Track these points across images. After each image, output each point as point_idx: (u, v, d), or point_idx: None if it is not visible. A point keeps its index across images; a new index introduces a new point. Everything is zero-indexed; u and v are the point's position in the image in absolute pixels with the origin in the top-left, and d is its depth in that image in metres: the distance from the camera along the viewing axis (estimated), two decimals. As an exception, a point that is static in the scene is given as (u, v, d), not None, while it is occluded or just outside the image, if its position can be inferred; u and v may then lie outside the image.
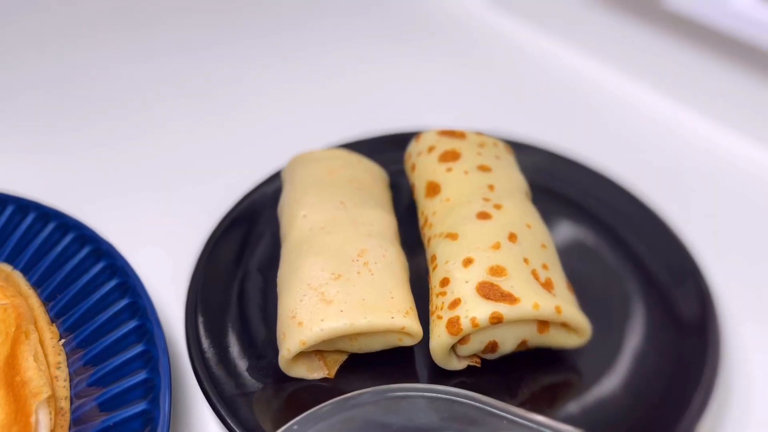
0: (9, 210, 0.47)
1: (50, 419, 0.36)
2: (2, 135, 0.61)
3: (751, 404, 0.43)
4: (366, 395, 0.30)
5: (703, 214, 0.55)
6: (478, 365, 0.41)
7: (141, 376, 0.37)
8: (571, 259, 0.46)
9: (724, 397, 0.43)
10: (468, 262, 0.40)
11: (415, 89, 0.68)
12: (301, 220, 0.45)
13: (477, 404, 0.30)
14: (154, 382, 0.37)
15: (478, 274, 0.40)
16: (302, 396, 0.40)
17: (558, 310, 0.39)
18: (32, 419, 0.35)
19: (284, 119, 0.64)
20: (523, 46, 0.75)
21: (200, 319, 0.43)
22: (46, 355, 0.39)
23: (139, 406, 0.36)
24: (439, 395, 0.31)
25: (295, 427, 0.30)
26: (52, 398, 0.37)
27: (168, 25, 0.75)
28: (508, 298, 0.38)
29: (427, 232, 0.45)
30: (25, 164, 0.58)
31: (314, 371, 0.41)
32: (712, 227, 0.54)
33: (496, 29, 0.77)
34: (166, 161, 0.59)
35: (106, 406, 0.38)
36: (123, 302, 0.41)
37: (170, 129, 0.62)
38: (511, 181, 0.46)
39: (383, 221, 0.45)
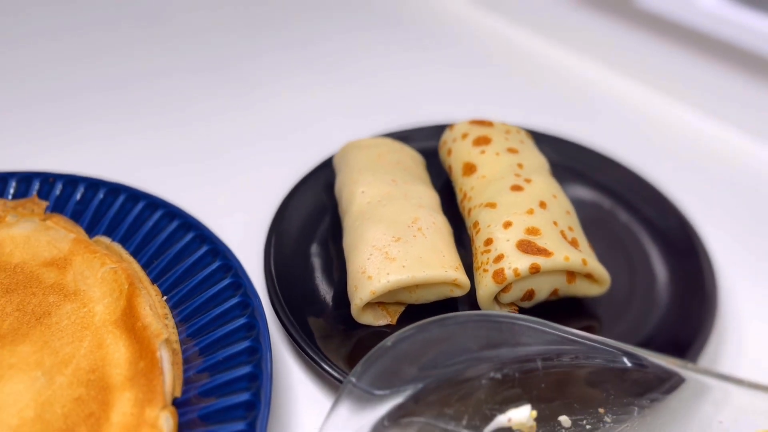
0: (101, 193, 0.54)
1: (170, 356, 0.43)
2: (106, 124, 0.72)
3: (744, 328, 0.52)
4: (460, 317, 0.38)
5: (677, 170, 0.66)
6: (516, 312, 0.49)
7: (241, 320, 0.44)
8: (587, 223, 0.55)
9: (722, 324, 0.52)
10: (507, 224, 0.48)
11: (432, 89, 0.78)
12: (360, 195, 0.52)
13: (540, 327, 0.38)
14: (254, 324, 0.44)
15: (516, 233, 0.47)
16: (369, 339, 0.48)
17: (584, 262, 0.47)
18: (158, 354, 0.42)
19: (328, 114, 0.73)
20: (509, 42, 0.86)
21: (276, 280, 0.50)
22: (155, 308, 0.46)
23: (245, 343, 0.43)
24: (502, 320, 0.39)
25: (389, 343, 0.37)
26: (168, 341, 0.44)
27: (222, 40, 0.85)
28: (543, 252, 0.46)
29: (466, 205, 0.53)
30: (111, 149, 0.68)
31: (379, 319, 0.49)
32: (696, 192, 0.63)
33: (496, 33, 0.87)
34: (231, 152, 0.68)
35: (207, 350, 0.45)
36: (215, 264, 0.48)
37: (239, 123, 0.72)
38: (536, 160, 0.55)
39: (428, 195, 0.53)
